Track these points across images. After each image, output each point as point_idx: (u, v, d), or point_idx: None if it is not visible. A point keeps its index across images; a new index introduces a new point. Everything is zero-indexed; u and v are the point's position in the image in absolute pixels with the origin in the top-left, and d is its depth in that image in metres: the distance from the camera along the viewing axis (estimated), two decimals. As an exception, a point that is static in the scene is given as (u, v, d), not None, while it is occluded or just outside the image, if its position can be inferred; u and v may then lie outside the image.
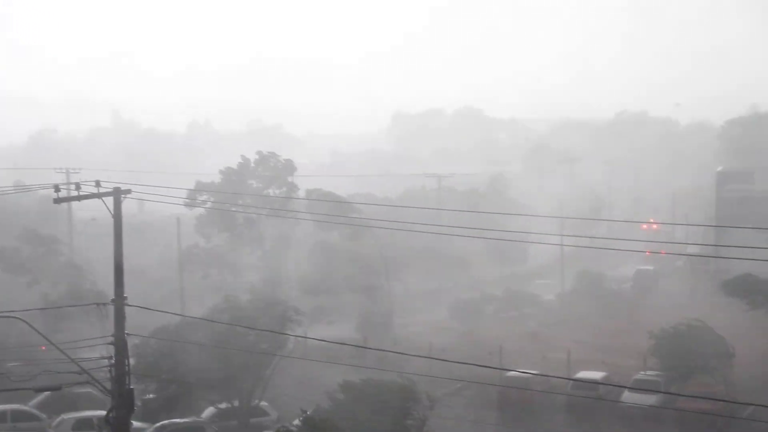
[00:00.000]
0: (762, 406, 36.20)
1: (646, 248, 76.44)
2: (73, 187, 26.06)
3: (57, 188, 25.67)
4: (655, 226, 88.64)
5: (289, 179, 67.47)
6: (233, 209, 63.70)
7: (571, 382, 44.42)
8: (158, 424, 38.78)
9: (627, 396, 43.00)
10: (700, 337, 45.07)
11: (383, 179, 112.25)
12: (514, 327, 61.20)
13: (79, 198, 26.10)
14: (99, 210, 27.14)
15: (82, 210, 56.88)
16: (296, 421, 35.86)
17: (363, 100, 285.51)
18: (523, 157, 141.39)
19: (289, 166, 66.90)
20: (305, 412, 33.26)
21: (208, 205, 65.09)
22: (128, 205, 27.17)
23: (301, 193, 70.52)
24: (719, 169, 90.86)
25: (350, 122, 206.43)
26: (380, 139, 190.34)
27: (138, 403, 31.01)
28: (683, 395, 40.72)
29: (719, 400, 38.95)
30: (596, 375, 45.94)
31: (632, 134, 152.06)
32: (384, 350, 39.42)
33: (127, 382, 25.22)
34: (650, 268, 78.63)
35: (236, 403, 41.14)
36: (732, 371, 45.34)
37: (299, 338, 40.78)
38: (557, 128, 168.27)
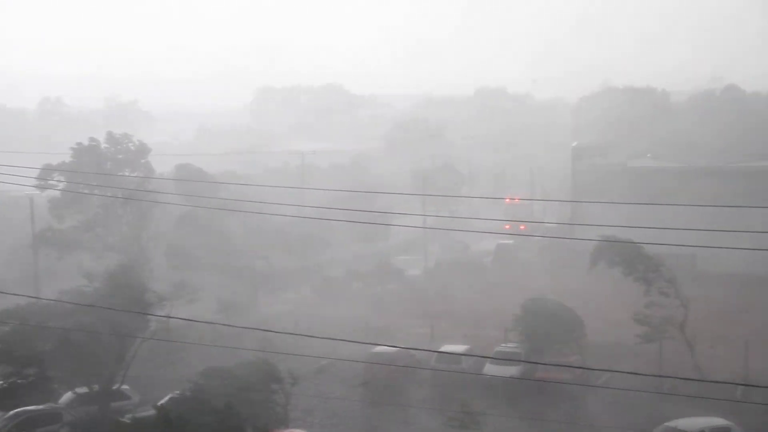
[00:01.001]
0: (615, 371, 37.58)
1: (506, 223, 78.14)
2: None
3: None
4: (516, 199, 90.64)
5: (143, 161, 65.66)
6: (86, 191, 61.63)
7: (435, 355, 45.03)
8: (11, 413, 37.29)
9: (489, 368, 43.88)
10: (555, 308, 46.42)
11: (245, 157, 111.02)
12: (379, 303, 61.56)
13: None
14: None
15: None
16: (162, 402, 35.24)
17: (223, 74, 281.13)
18: (386, 134, 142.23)
19: (143, 149, 65.17)
20: (160, 404, 32.70)
21: (60, 186, 62.74)
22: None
23: (162, 172, 68.89)
24: (574, 144, 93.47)
25: (211, 97, 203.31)
26: (243, 115, 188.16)
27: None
28: (542, 364, 42.09)
29: (575, 367, 40.30)
30: (459, 348, 46.74)
31: (491, 110, 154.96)
32: (247, 328, 39.01)
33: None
34: (511, 242, 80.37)
35: (96, 388, 39.97)
36: (586, 340, 46.83)
37: (162, 319, 39.88)
38: (419, 104, 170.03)
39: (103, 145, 64.09)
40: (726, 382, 37.48)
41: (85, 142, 63.46)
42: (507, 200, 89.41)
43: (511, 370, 42.99)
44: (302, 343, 40.97)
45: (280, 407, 35.73)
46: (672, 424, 35.48)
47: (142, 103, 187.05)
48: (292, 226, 69.10)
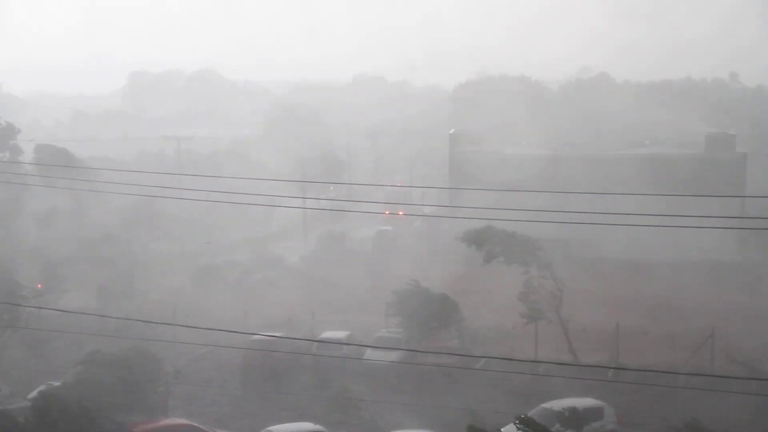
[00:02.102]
0: (492, 357, 38.30)
1: (385, 209, 78.63)
2: None
3: None
4: (399, 184, 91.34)
5: (12, 142, 63.51)
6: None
7: (316, 342, 45.02)
8: None
9: (370, 354, 44.11)
10: (430, 293, 46.96)
11: (119, 142, 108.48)
12: (258, 290, 61.11)
13: None
14: None
15: None
16: (33, 394, 34.23)
17: (95, 57, 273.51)
18: (263, 120, 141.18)
19: (11, 129, 62.98)
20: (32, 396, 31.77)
21: None
22: None
23: (31, 156, 66.68)
24: (451, 131, 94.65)
25: (82, 81, 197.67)
26: (116, 100, 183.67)
27: None
28: (421, 351, 42.56)
29: (453, 354, 40.93)
30: (340, 334, 46.83)
31: (370, 97, 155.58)
32: (125, 318, 38.26)
33: None
34: (390, 228, 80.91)
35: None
36: (465, 325, 47.55)
37: (32, 309, 38.69)
38: (297, 91, 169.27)
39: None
40: (598, 366, 38.64)
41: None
42: (387, 187, 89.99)
43: (392, 356, 43.32)
44: (180, 332, 40.42)
45: (160, 396, 35.16)
46: (547, 405, 36.36)
47: (11, 87, 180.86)
48: (170, 213, 68.01)
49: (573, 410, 35.40)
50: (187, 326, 33.00)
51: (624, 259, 66.87)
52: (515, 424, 23.17)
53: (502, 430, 34.69)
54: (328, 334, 46.89)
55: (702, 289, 59.67)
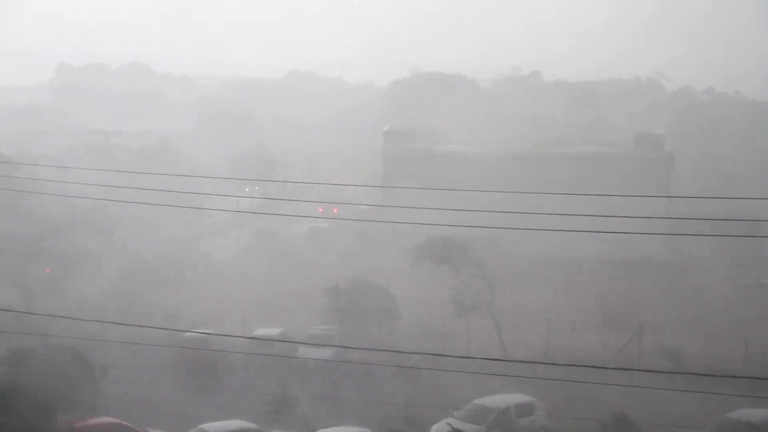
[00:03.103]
0: (425, 353, 38.49)
1: (319, 206, 78.48)
2: None
3: None
4: (333, 181, 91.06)
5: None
6: None
7: (249, 339, 44.72)
8: None
9: (303, 351, 44.00)
10: (367, 290, 47.08)
11: (45, 137, 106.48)
12: (190, 287, 60.48)
13: None
14: None
15: None
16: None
17: (21, 52, 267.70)
18: (195, 115, 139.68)
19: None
20: None
21: None
22: None
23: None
24: (385, 128, 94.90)
25: (8, 77, 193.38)
26: (42, 94, 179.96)
27: None
28: (354, 348, 42.54)
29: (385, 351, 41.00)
30: (273, 331, 46.63)
31: (303, 93, 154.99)
32: (52, 315, 37.57)
33: None
34: (324, 225, 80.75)
35: None
36: (398, 322, 47.73)
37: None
38: (228, 86, 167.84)
39: None
40: (528, 362, 39.07)
41: None
42: (320, 187, 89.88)
43: (325, 353, 43.26)
44: (109, 329, 39.91)
45: (88, 395, 34.60)
46: (480, 401, 36.70)
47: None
48: (98, 209, 66.89)
49: (505, 407, 35.83)
50: (116, 323, 32.57)
51: (554, 256, 67.69)
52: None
53: (432, 428, 34.98)
54: (260, 332, 46.66)
55: (630, 285, 60.75)
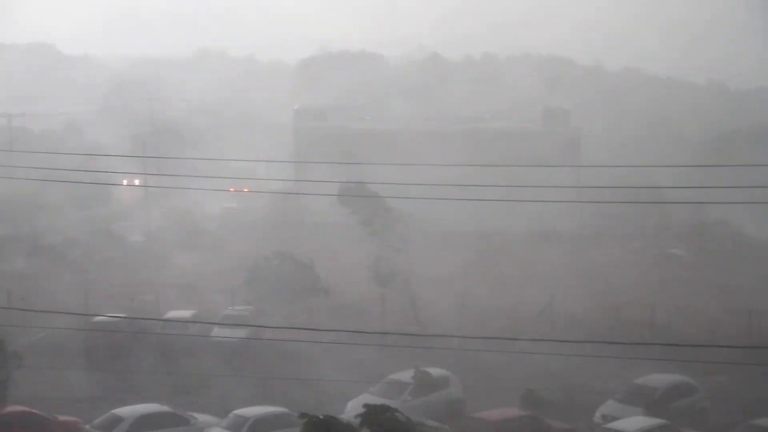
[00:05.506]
0: (341, 331, 38.48)
1: (230, 186, 77.65)
2: None
3: None
4: (244, 159, 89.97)
5: None
6: None
7: (162, 322, 44.24)
8: None
9: (217, 331, 43.64)
10: (286, 268, 46.86)
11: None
12: (99, 270, 59.39)
13: None
14: None
15: None
16: None
17: None
18: (102, 96, 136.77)
19: None
20: None
21: None
22: None
23: None
24: (296, 106, 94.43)
25: None
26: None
27: None
28: (269, 327, 42.32)
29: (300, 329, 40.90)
30: (186, 313, 46.16)
31: (212, 72, 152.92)
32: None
33: None
34: (235, 205, 79.95)
35: None
36: (316, 299, 47.68)
37: None
38: (135, 66, 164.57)
39: None
40: (443, 335, 39.40)
41: None
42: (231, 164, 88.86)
43: (239, 333, 42.98)
44: (16, 315, 38.97)
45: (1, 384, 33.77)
46: (395, 376, 36.97)
47: None
48: (1, 193, 65.22)
49: (423, 376, 36.15)
50: (23, 309, 31.77)
51: (466, 230, 68.31)
52: (357, 415, 23.29)
53: (348, 403, 35.09)
54: (173, 314, 46.13)
55: (541, 257, 61.75)
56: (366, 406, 23.22)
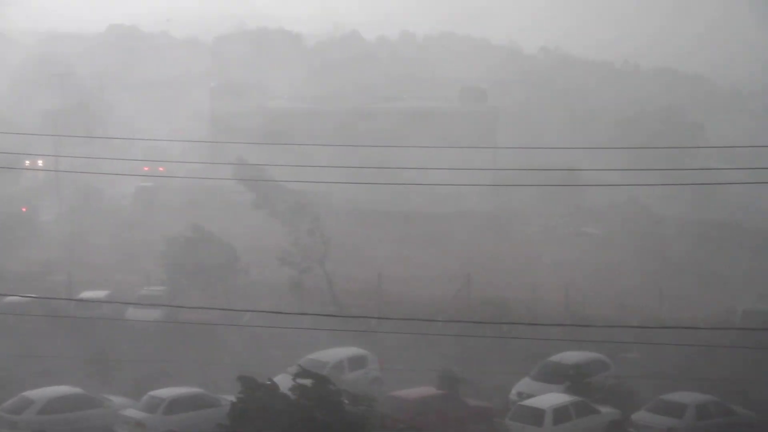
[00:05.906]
0: (258, 311, 38.25)
1: (144, 164, 76.39)
2: None
3: None
4: (158, 138, 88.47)
5: None
6: None
7: (74, 303, 43.44)
8: None
9: (131, 312, 43.01)
10: (203, 246, 46.36)
11: None
12: (9, 250, 57.90)
13: None
14: None
15: None
16: None
17: None
18: (9, 73, 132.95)
19: None
20: None
21: None
22: None
23: None
24: (212, 84, 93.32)
25: None
26: None
27: None
28: (185, 307, 41.86)
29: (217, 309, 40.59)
30: (99, 294, 45.40)
31: (125, 48, 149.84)
32: None
33: None
34: (150, 184, 78.65)
35: None
36: (237, 277, 47.30)
37: None
38: (44, 41, 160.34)
39: None
40: (360, 316, 39.53)
41: None
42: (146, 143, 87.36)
43: (154, 314, 42.41)
44: None
45: None
46: (313, 356, 36.90)
47: None
48: None
49: (338, 360, 36.21)
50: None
51: (384, 210, 68.46)
52: (294, 374, 24.07)
53: (274, 378, 34.92)
54: (86, 294, 45.30)
55: (457, 237, 62.27)
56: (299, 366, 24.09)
